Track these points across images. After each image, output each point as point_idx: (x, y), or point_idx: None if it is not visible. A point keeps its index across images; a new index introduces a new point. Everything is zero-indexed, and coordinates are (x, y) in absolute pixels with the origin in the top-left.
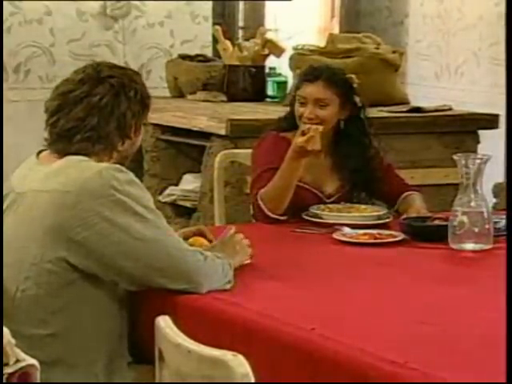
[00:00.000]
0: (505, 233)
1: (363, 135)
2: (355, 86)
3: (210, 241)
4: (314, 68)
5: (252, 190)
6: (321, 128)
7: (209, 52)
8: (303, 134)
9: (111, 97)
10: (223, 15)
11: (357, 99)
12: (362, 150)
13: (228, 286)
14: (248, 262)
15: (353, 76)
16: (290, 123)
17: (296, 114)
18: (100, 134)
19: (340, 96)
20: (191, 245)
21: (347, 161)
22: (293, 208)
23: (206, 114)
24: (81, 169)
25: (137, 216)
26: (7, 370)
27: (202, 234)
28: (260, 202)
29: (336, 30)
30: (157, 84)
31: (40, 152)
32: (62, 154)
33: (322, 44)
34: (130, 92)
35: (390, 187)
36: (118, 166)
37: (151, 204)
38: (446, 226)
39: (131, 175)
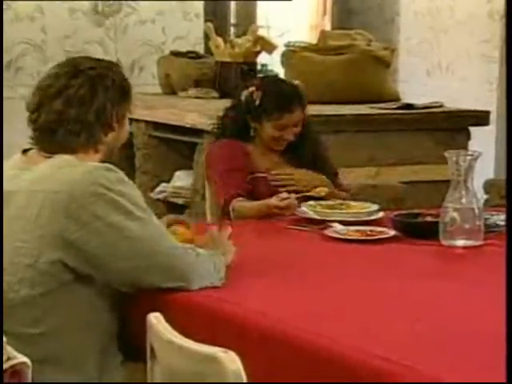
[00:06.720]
0: (495, 229)
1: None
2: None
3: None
4: (286, 96)
5: (220, 196)
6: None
7: (200, 49)
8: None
9: (88, 88)
10: (215, 12)
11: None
12: (313, 151)
13: (220, 283)
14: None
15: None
16: (242, 132)
17: (269, 135)
18: (81, 126)
19: (304, 109)
20: (173, 233)
21: (302, 162)
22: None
23: (197, 111)
24: (71, 169)
25: (128, 214)
26: None
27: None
28: (231, 212)
29: (328, 27)
30: (148, 81)
31: (26, 150)
32: (48, 151)
33: (314, 41)
34: (107, 81)
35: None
36: (107, 165)
37: (142, 202)
38: (438, 222)
39: (121, 174)
